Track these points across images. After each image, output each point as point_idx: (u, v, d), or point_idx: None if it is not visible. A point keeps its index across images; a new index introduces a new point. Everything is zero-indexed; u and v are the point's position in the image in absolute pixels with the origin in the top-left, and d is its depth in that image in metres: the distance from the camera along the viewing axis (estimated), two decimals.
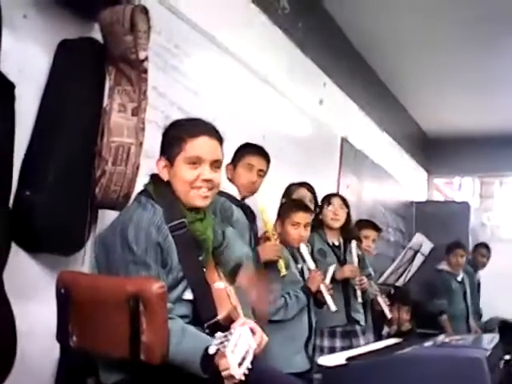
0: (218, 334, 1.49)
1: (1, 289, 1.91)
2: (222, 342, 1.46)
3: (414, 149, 7.55)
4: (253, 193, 2.77)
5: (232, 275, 1.93)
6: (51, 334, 1.76)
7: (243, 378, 1.46)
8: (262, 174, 2.76)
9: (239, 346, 1.45)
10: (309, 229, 2.93)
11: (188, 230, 1.72)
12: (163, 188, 1.76)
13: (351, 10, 4.64)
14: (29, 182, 2.06)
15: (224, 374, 1.47)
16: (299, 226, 2.87)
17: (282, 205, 3.00)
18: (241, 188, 2.71)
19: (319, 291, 2.92)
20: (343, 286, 3.29)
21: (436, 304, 5.24)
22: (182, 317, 1.68)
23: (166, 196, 1.74)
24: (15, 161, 2.00)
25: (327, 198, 3.46)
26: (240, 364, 1.44)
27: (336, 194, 3.56)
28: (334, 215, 3.36)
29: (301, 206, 2.97)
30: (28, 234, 2.07)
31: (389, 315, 3.52)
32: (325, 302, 2.92)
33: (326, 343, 3.19)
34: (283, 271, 2.72)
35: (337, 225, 3.38)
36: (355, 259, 3.35)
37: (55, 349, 1.80)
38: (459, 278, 5.49)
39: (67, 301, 1.70)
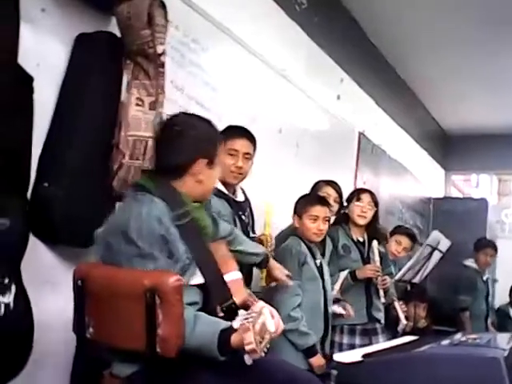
0: (241, 312, 1.53)
1: (19, 280, 1.93)
2: (246, 318, 1.52)
3: (431, 145, 7.49)
4: (241, 179, 2.57)
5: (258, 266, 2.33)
6: (68, 325, 1.77)
7: (263, 354, 1.52)
8: (248, 157, 2.55)
9: (260, 325, 1.50)
10: (327, 223, 2.89)
11: (192, 218, 1.75)
12: (162, 182, 1.78)
13: (369, 5, 4.61)
14: (47, 174, 2.08)
15: (247, 347, 1.51)
16: (318, 219, 2.82)
17: (298, 199, 2.94)
18: (227, 177, 2.49)
19: None
20: (366, 285, 3.26)
21: (460, 300, 5.18)
22: (192, 303, 1.68)
23: (168, 188, 1.77)
24: (33, 153, 2.02)
25: (357, 193, 3.39)
26: (260, 342, 1.50)
27: (366, 190, 3.45)
28: (362, 212, 3.29)
29: (318, 199, 2.94)
30: (46, 226, 2.08)
31: (404, 321, 3.47)
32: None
33: (346, 340, 3.15)
34: (262, 282, 2.65)
35: (362, 222, 3.30)
36: (377, 258, 3.28)
37: (72, 340, 1.81)
38: (484, 278, 5.43)
39: (84, 293, 1.71)
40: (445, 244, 3.72)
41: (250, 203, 2.73)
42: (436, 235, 3.71)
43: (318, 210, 2.83)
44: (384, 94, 5.66)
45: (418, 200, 6.99)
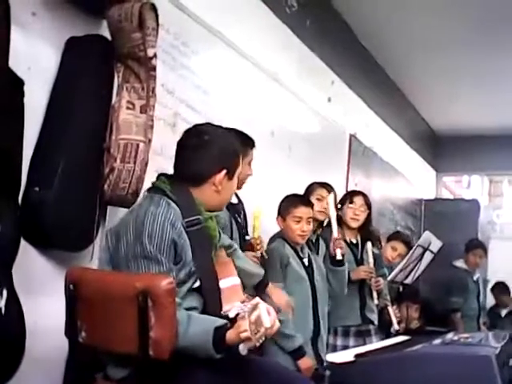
0: (237, 303, 1.54)
1: (10, 285, 1.93)
2: (241, 309, 1.55)
3: (422, 147, 7.53)
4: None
5: (256, 289, 2.22)
6: (60, 329, 1.77)
7: (258, 344, 1.53)
8: (251, 163, 2.62)
9: (256, 317, 1.51)
10: (311, 223, 2.88)
11: (203, 226, 1.77)
12: (181, 187, 1.80)
13: (359, 7, 4.62)
14: (38, 178, 2.07)
15: (242, 335, 1.53)
16: (301, 220, 2.81)
17: (282, 200, 2.92)
18: (240, 184, 2.53)
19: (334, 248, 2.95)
20: (359, 286, 3.26)
21: (452, 301, 5.21)
22: (191, 308, 1.69)
23: (185, 194, 1.79)
24: (24, 157, 2.01)
25: (350, 196, 3.40)
26: (255, 333, 1.51)
27: (359, 193, 3.46)
28: (354, 215, 3.30)
29: (302, 200, 2.92)
30: (37, 230, 2.08)
31: (396, 327, 3.48)
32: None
33: (340, 342, 3.15)
34: None
35: (355, 225, 3.31)
36: (371, 260, 3.28)
37: (64, 345, 1.81)
38: (475, 278, 5.46)
39: (76, 297, 1.70)
40: (436, 245, 3.74)
41: (243, 206, 2.75)
42: (427, 236, 3.73)
43: (302, 211, 2.82)
44: (375, 96, 5.68)
45: (409, 201, 7.01)
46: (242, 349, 1.54)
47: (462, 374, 1.96)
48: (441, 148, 8.08)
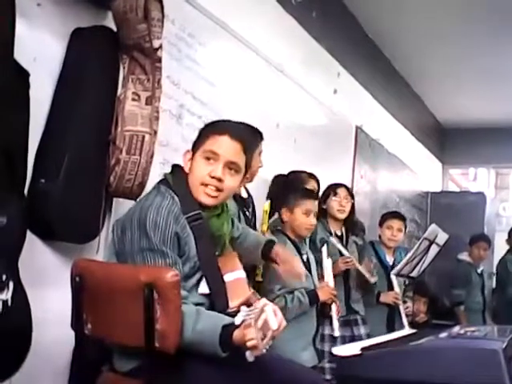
0: (244, 308, 1.52)
1: (16, 277, 1.93)
2: (247, 315, 1.50)
3: (428, 139, 7.50)
4: None
5: (265, 252, 2.12)
6: (66, 322, 1.77)
7: (264, 351, 1.49)
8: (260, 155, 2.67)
9: (263, 322, 1.48)
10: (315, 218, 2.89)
11: (203, 221, 1.75)
12: (181, 179, 1.78)
13: None
14: (43, 170, 2.07)
15: (249, 343, 1.49)
16: (310, 213, 2.81)
17: (287, 191, 2.90)
18: (251, 177, 2.58)
19: (328, 305, 2.87)
20: (344, 278, 3.27)
21: (454, 295, 5.21)
22: (198, 305, 1.68)
23: (183, 187, 1.77)
24: (30, 149, 2.01)
25: (332, 188, 3.40)
26: (262, 339, 1.47)
27: (342, 185, 3.48)
28: (340, 206, 3.31)
29: (312, 194, 2.92)
30: (43, 222, 2.08)
31: (406, 326, 3.49)
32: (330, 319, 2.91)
33: (327, 331, 3.08)
34: (258, 278, 2.63)
35: (342, 216, 3.33)
36: (345, 253, 3.23)
37: (70, 337, 1.81)
38: (479, 271, 5.44)
39: (82, 289, 1.70)
40: (442, 238, 3.72)
41: (252, 200, 2.75)
42: (433, 229, 3.70)
43: (312, 205, 2.82)
44: (381, 88, 5.66)
45: (415, 194, 6.99)
46: (249, 355, 1.52)
47: (468, 367, 1.95)
48: (447, 140, 8.05)
